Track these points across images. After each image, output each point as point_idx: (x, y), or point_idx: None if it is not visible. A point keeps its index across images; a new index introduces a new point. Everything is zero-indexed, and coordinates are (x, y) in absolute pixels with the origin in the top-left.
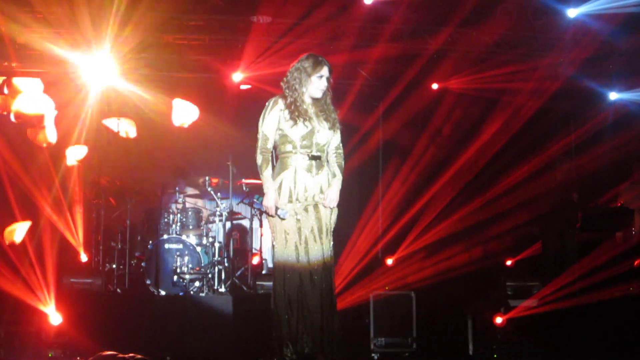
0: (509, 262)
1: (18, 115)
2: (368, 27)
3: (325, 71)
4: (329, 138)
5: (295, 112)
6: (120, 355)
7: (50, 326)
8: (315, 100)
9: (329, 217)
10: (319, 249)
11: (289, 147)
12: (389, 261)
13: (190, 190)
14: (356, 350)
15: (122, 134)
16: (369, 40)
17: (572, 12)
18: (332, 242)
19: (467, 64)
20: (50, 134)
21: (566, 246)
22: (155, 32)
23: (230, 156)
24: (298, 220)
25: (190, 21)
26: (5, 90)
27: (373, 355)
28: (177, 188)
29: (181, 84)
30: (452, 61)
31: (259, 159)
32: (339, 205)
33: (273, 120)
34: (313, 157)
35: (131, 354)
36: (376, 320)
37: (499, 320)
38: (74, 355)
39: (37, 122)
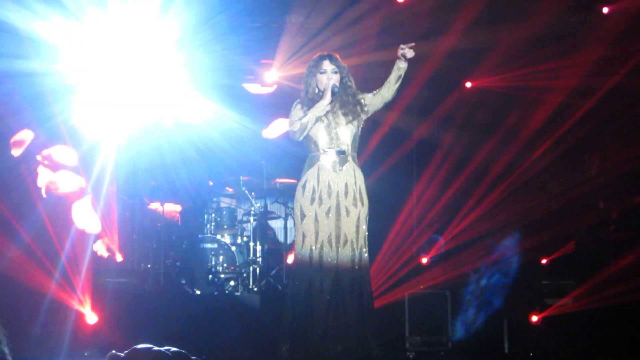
0: (544, 261)
1: (50, 190)
2: (401, 25)
3: (326, 65)
4: (352, 132)
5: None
6: (156, 348)
7: (86, 325)
8: (333, 97)
9: (354, 224)
10: (334, 257)
11: (312, 146)
12: (424, 260)
13: (225, 190)
14: (391, 349)
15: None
16: (402, 39)
17: (606, 9)
18: (358, 250)
19: (501, 62)
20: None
21: (598, 245)
22: (189, 33)
23: (264, 156)
24: (317, 223)
25: (223, 21)
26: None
27: (408, 353)
28: (211, 188)
29: (214, 85)
30: (486, 59)
31: (292, 127)
32: (375, 203)
33: (299, 113)
34: (337, 153)
35: (167, 347)
36: (411, 319)
37: (534, 318)
38: None
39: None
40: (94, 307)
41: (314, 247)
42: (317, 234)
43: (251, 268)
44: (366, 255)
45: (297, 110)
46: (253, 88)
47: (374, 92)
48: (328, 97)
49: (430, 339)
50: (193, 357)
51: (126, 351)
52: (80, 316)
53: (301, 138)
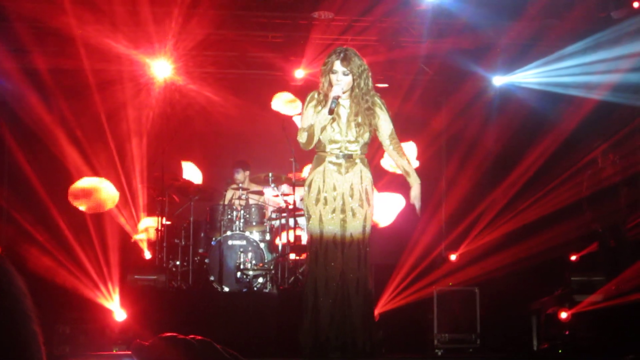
0: (573, 257)
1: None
2: (430, 22)
3: (336, 66)
4: (363, 135)
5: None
6: (181, 336)
7: (115, 322)
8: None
9: (360, 225)
10: (339, 257)
11: (320, 146)
12: (453, 257)
13: (254, 187)
14: (420, 346)
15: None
16: (431, 35)
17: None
18: (363, 249)
19: (530, 58)
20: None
21: (619, 243)
22: (217, 29)
23: (293, 151)
24: (322, 224)
25: (252, 18)
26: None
27: (437, 350)
28: (239, 185)
29: (244, 82)
30: (513, 55)
31: (300, 137)
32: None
33: (309, 117)
34: (343, 157)
35: (192, 335)
36: (440, 316)
37: (563, 315)
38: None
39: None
40: (123, 304)
41: (319, 248)
42: (322, 234)
43: (280, 265)
44: (369, 253)
45: (309, 108)
46: None
47: (388, 133)
48: (327, 108)
49: (458, 336)
50: (218, 346)
51: (151, 340)
52: (108, 313)
53: (310, 147)
